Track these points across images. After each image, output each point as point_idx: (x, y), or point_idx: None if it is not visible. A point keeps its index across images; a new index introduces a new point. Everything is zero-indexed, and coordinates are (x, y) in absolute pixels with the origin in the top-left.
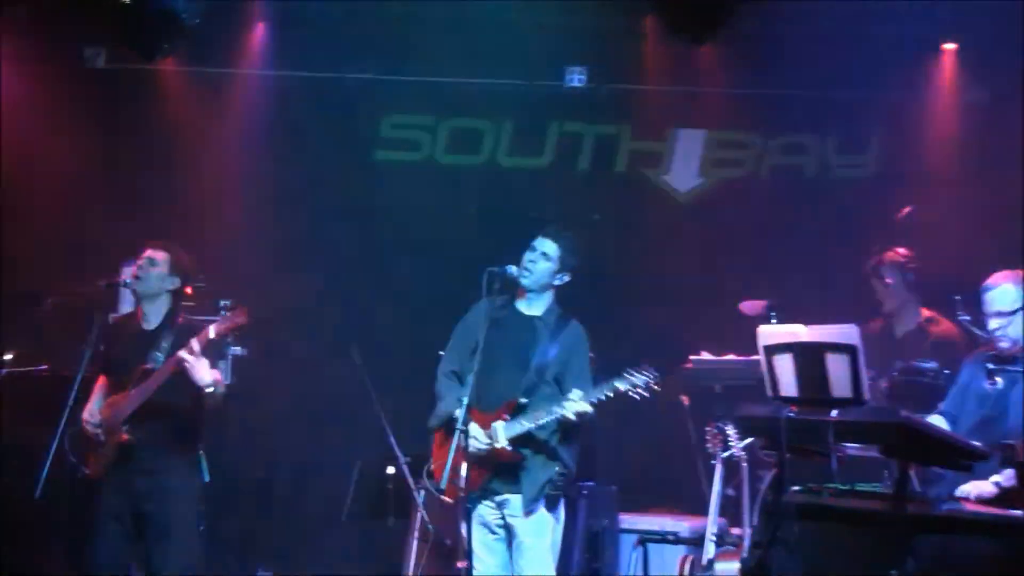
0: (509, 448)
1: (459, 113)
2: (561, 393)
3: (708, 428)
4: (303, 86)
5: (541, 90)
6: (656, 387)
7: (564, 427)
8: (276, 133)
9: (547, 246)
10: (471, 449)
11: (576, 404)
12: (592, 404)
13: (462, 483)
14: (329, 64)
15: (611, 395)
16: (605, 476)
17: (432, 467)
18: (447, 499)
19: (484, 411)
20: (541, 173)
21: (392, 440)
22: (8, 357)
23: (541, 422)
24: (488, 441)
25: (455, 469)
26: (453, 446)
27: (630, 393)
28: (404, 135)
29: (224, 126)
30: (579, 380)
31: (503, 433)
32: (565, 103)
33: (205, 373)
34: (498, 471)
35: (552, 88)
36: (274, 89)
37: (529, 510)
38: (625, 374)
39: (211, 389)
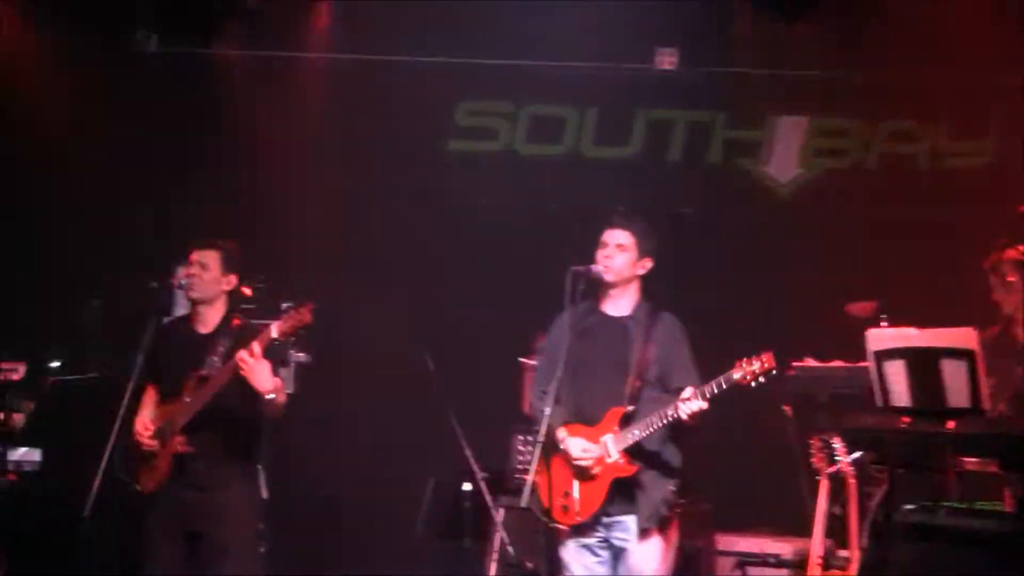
0: (622, 461)
1: (540, 99)
2: (666, 393)
3: (812, 441)
4: (371, 70)
5: (628, 74)
6: (774, 369)
7: (675, 432)
8: (342, 122)
9: (619, 236)
10: (580, 465)
11: (690, 403)
12: (707, 399)
13: (576, 507)
14: (399, 46)
15: (726, 387)
16: (699, 492)
17: (539, 490)
18: (561, 526)
19: (588, 425)
20: (628, 164)
21: (469, 454)
22: (54, 364)
23: (653, 428)
24: (597, 455)
25: (562, 492)
26: (531, 467)
27: (748, 382)
28: (481, 123)
29: (285, 114)
30: (685, 374)
31: (614, 446)
32: (654, 88)
33: (265, 378)
34: (615, 491)
35: (640, 71)
36: (339, 74)
37: (644, 531)
38: (739, 363)
39: (271, 396)
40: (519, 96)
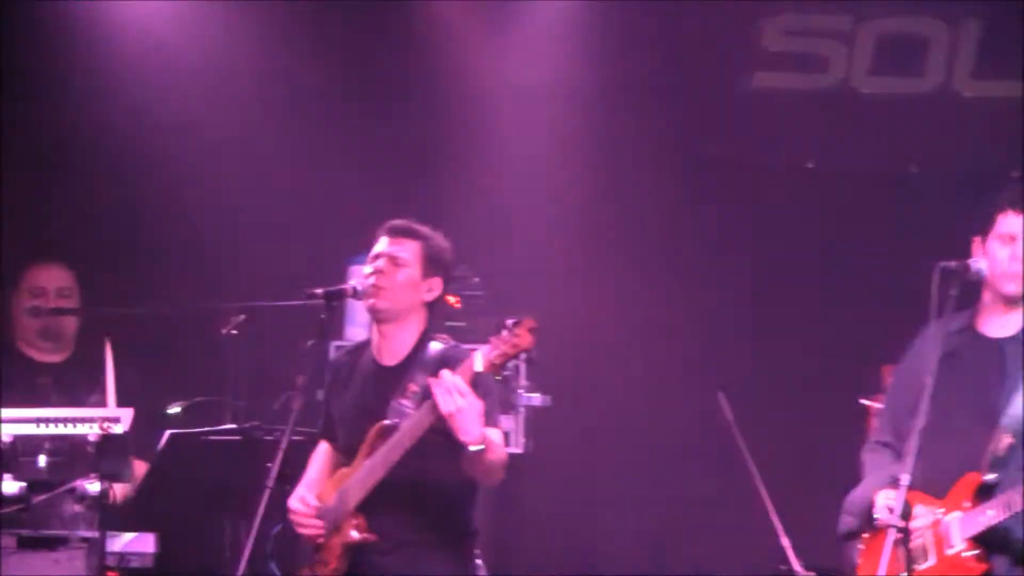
0: (969, 554)
1: (892, 11)
2: None
3: None
4: None
5: None
6: None
7: None
8: (591, 55)
9: (1013, 224)
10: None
11: None
12: None
13: None
14: None
15: None
16: None
17: None
18: None
19: (934, 495)
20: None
21: (785, 543)
22: (173, 410)
23: (1015, 510)
24: (932, 540)
25: None
26: (885, 555)
27: None
28: (802, 47)
29: (510, 67)
30: None
31: (959, 531)
32: None
33: (472, 424)
34: None
35: None
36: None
37: None
38: None
39: (478, 448)
40: (860, 7)
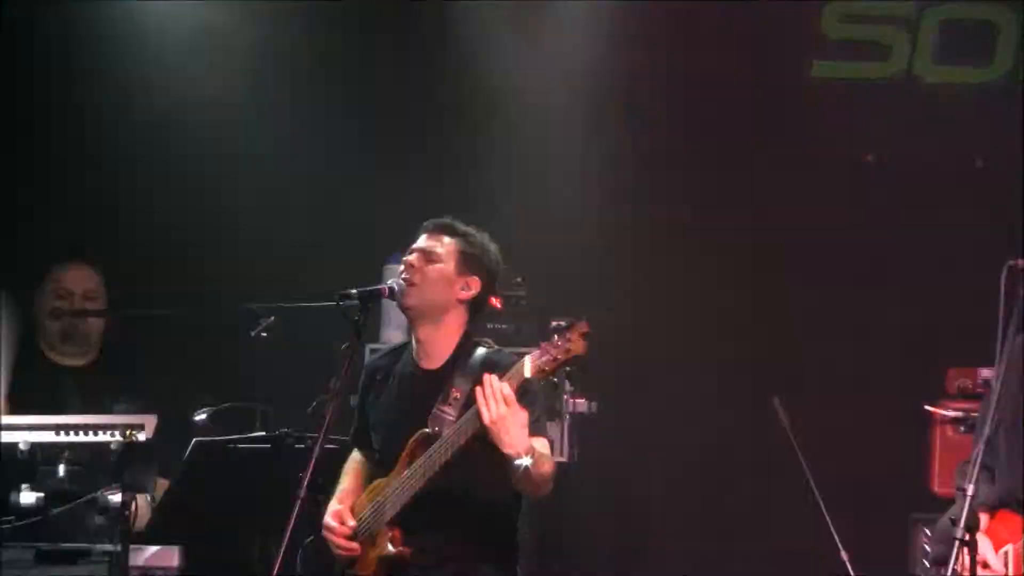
0: None
1: None
2: None
3: None
4: None
5: None
6: None
7: None
8: (646, 62)
9: None
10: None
11: None
12: None
13: None
14: None
15: None
16: None
17: None
18: None
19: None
20: None
21: (845, 557)
22: (200, 416)
23: None
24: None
25: None
26: (951, 565)
27: None
28: (863, 34)
29: (554, 62)
30: None
31: (1012, 561)
32: None
33: (518, 435)
34: None
35: None
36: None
37: None
38: None
39: (524, 462)
40: None
